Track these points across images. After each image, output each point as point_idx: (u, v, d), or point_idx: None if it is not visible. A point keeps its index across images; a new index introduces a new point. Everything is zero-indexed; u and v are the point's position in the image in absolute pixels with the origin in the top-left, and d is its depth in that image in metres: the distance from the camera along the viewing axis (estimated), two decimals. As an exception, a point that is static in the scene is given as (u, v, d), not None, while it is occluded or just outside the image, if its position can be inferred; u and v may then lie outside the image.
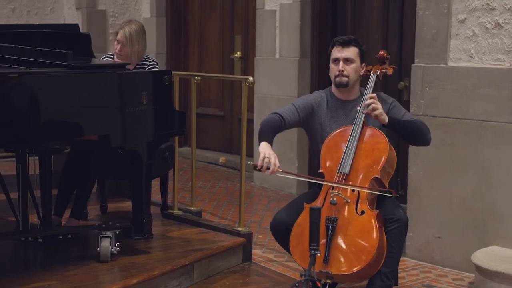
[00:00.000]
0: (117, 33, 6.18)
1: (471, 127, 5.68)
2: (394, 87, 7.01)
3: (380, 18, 7.38)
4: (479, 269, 5.30)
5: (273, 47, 8.37)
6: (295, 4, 8.03)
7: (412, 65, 6.07)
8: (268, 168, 4.54)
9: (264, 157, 4.57)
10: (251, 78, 6.02)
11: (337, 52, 4.90)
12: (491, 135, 5.57)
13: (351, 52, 4.88)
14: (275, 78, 8.29)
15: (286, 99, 8.06)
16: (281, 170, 4.59)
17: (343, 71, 4.87)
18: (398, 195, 4.77)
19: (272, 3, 8.34)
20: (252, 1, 9.01)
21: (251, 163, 4.64)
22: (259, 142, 4.74)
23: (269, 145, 4.68)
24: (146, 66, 6.22)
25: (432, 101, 5.89)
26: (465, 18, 5.72)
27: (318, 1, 7.91)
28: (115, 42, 6.19)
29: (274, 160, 4.56)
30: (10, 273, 4.94)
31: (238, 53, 9.57)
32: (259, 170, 4.58)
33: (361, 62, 4.94)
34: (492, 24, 5.58)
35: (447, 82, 5.80)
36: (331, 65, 4.95)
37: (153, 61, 6.33)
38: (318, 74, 7.94)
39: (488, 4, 5.58)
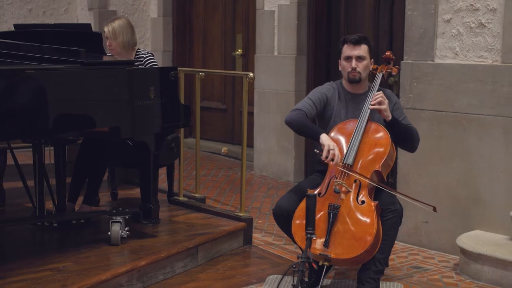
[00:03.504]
0: (103, 32, 6.23)
1: (456, 119, 5.67)
2: (385, 82, 6.99)
3: (372, 18, 7.36)
4: (464, 252, 5.30)
5: (272, 45, 8.35)
6: (292, 5, 8.02)
7: (401, 62, 6.05)
8: (332, 160, 4.56)
9: (329, 149, 4.56)
10: (251, 74, 6.01)
11: (350, 51, 4.85)
12: (475, 127, 5.57)
13: (363, 50, 4.84)
14: (274, 74, 8.27)
15: (284, 93, 8.07)
16: (342, 164, 4.59)
17: (355, 68, 4.85)
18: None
19: (271, 4, 8.32)
20: (252, 2, 8.99)
21: (317, 151, 4.62)
22: (315, 136, 4.69)
23: (328, 137, 4.66)
24: (142, 59, 6.20)
25: (420, 95, 5.88)
26: (451, 18, 5.71)
27: (314, 2, 7.90)
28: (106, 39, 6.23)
29: (338, 152, 4.57)
30: (28, 255, 4.95)
31: (239, 50, 9.55)
32: (324, 161, 4.58)
33: (371, 58, 4.92)
34: (475, 24, 5.56)
35: (434, 77, 5.79)
36: (343, 62, 4.89)
37: (148, 53, 6.30)
38: (314, 70, 7.94)
39: (472, 5, 5.57)
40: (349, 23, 7.65)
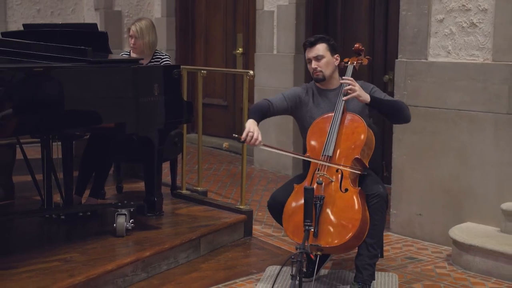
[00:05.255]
0: (129, 30, 6.21)
1: (448, 116, 5.66)
2: (380, 80, 7.00)
3: (367, 18, 7.36)
4: (456, 243, 5.30)
5: (271, 44, 8.35)
6: (291, 5, 8.01)
7: (396, 60, 6.04)
8: (250, 141, 4.60)
9: (249, 131, 4.60)
10: (251, 72, 6.01)
11: (308, 54, 4.87)
12: (466, 123, 5.56)
13: (319, 49, 4.82)
14: (273, 72, 8.27)
15: (283, 90, 7.98)
16: (262, 144, 4.63)
17: (316, 68, 4.86)
18: (365, 173, 4.72)
19: (271, 5, 8.32)
20: (252, 2, 8.99)
21: (236, 135, 4.64)
22: (247, 119, 4.77)
23: (255, 122, 4.69)
24: (160, 60, 6.23)
25: (413, 92, 5.87)
26: (443, 18, 5.70)
27: (311, 2, 7.90)
28: (129, 38, 6.21)
29: (256, 135, 4.59)
30: (36, 247, 4.95)
31: (240, 49, 9.55)
32: (243, 142, 4.62)
33: (333, 54, 4.87)
34: (467, 24, 5.55)
35: (427, 75, 5.78)
36: (308, 65, 4.94)
37: (166, 55, 6.34)
38: (312, 68, 7.93)
39: (464, 5, 5.56)
40: (346, 23, 7.65)
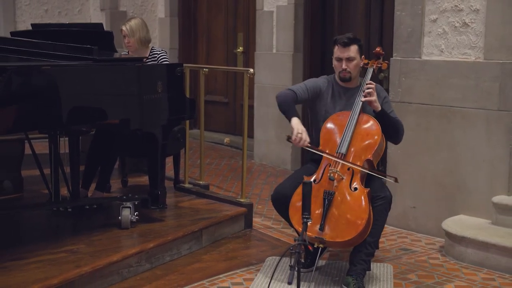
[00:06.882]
0: (122, 31, 6.21)
1: (442, 112, 5.66)
2: (375, 78, 6.98)
3: (363, 18, 7.34)
4: (449, 235, 5.30)
5: (271, 43, 8.34)
6: (289, 6, 8.00)
7: (391, 58, 6.04)
8: (298, 142, 4.56)
9: (298, 132, 4.56)
10: (251, 70, 6.00)
11: (340, 52, 4.78)
12: (459, 119, 5.56)
13: (352, 51, 4.76)
14: (273, 70, 8.26)
15: (282, 88, 7.98)
16: (309, 145, 4.60)
17: (346, 68, 4.80)
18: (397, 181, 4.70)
19: (270, 5, 8.30)
20: (252, 3, 8.97)
21: (287, 135, 4.62)
22: (288, 116, 4.70)
23: (299, 120, 4.65)
24: (157, 55, 6.23)
25: (408, 90, 5.87)
26: (437, 18, 5.69)
27: (309, 3, 7.88)
28: (123, 38, 6.21)
29: (305, 136, 4.56)
30: (44, 238, 4.96)
31: (240, 48, 9.54)
32: (291, 142, 4.59)
33: (361, 56, 4.84)
34: (460, 23, 5.55)
35: (421, 73, 5.78)
36: (335, 62, 4.84)
37: (162, 50, 6.34)
38: (310, 67, 7.91)
39: (456, 6, 5.55)
40: (342, 23, 7.63)
